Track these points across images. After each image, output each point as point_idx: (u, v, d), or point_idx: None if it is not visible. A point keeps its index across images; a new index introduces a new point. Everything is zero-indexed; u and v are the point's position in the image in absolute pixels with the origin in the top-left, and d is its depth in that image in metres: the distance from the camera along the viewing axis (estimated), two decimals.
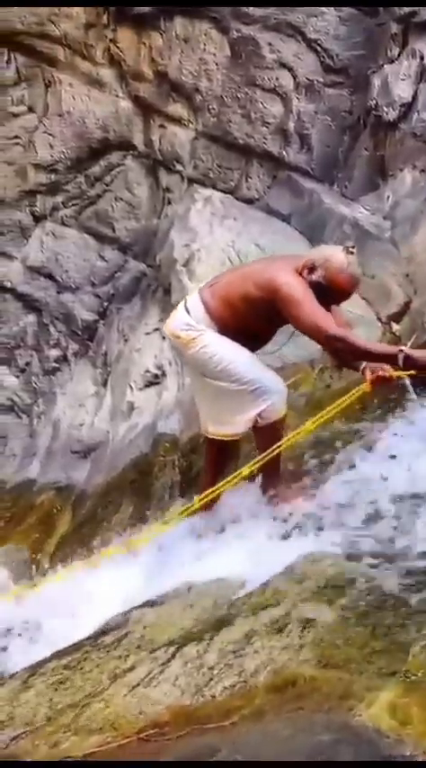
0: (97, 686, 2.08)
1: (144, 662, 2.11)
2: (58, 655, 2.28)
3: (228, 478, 2.95)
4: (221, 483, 2.96)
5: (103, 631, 2.33)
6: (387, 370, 2.76)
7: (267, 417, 2.88)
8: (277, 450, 2.87)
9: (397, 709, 1.62)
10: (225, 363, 2.89)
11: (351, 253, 2.81)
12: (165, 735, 1.84)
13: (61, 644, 2.43)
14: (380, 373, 2.76)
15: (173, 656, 2.09)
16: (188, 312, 2.97)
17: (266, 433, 2.90)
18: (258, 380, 2.88)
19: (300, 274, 2.82)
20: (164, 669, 2.06)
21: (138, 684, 2.04)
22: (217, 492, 2.97)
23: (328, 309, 2.86)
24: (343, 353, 2.90)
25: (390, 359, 2.72)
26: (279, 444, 2.87)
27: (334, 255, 2.82)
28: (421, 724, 1.57)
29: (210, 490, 2.98)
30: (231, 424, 2.95)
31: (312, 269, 2.81)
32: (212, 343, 2.91)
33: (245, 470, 2.91)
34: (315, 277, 2.80)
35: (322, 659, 1.90)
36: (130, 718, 1.94)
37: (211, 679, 1.98)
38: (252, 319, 2.90)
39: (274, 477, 2.93)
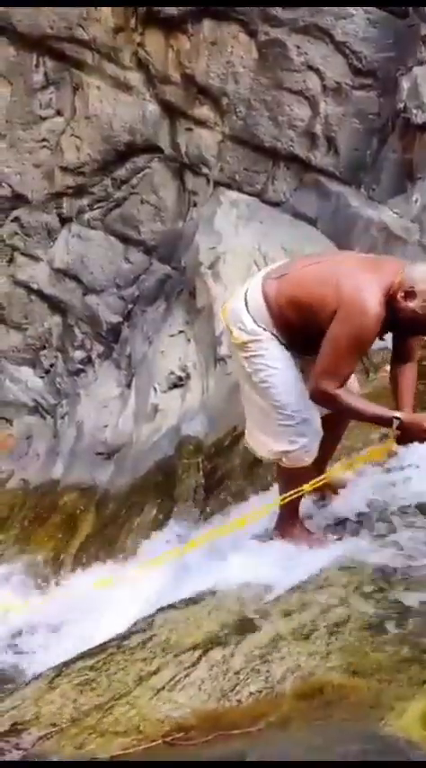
0: (122, 688, 2.07)
1: (169, 665, 2.10)
2: (84, 656, 2.28)
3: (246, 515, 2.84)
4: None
5: (128, 634, 2.33)
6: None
7: (293, 461, 2.57)
8: (294, 496, 2.58)
9: None
10: (270, 384, 2.54)
11: None
12: (191, 739, 1.83)
13: (85, 645, 2.44)
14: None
15: (199, 659, 2.08)
16: (247, 304, 2.56)
17: (286, 473, 2.61)
18: (298, 419, 2.54)
19: (393, 296, 2.39)
20: (189, 673, 2.05)
21: (163, 688, 2.03)
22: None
23: (404, 338, 2.54)
24: (329, 408, 2.54)
25: (384, 423, 2.46)
26: (299, 490, 2.58)
27: None
28: None
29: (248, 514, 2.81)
30: (257, 443, 2.67)
31: (410, 294, 2.38)
32: (266, 356, 2.54)
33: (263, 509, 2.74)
34: (411, 305, 2.38)
35: (350, 667, 1.87)
36: (155, 722, 1.93)
37: (237, 684, 1.97)
38: (319, 324, 2.45)
39: (285, 521, 2.64)
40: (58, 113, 5.74)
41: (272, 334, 2.56)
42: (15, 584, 4.43)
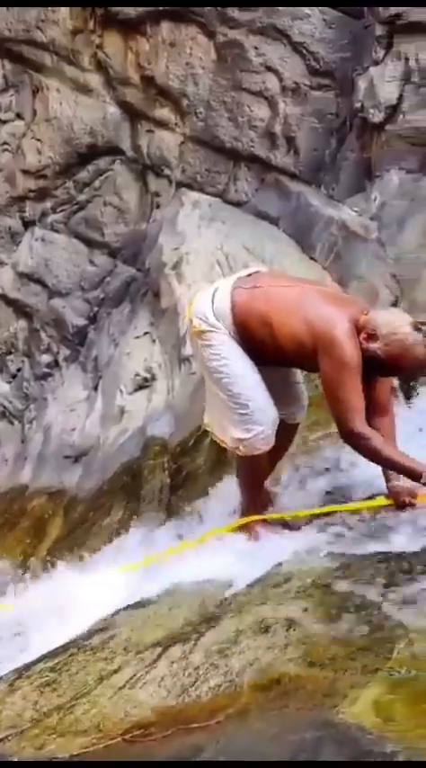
0: (83, 688, 2.07)
1: (130, 663, 2.11)
2: (45, 657, 2.28)
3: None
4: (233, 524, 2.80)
5: (90, 633, 2.33)
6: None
7: (248, 449, 2.65)
8: (273, 517, 2.69)
9: (381, 707, 1.62)
10: (224, 374, 2.63)
11: (420, 330, 2.48)
12: (151, 735, 1.84)
13: (49, 648, 2.43)
14: (412, 501, 2.46)
15: (159, 656, 2.09)
16: (213, 302, 2.65)
17: (243, 461, 2.70)
18: (250, 407, 2.61)
19: (358, 332, 2.49)
20: (150, 670, 2.05)
21: (124, 686, 2.04)
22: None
23: (374, 378, 2.58)
24: (361, 452, 2.55)
25: (413, 477, 2.45)
26: (281, 515, 2.69)
27: (401, 330, 2.47)
28: (404, 721, 1.57)
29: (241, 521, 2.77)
30: (219, 432, 2.74)
31: (372, 336, 2.48)
32: (220, 348, 2.63)
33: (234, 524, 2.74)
34: (373, 347, 2.48)
35: (307, 658, 1.90)
36: (116, 720, 1.94)
37: (197, 679, 1.98)
38: (280, 352, 2.57)
39: (244, 515, 2.74)
40: (19, 116, 5.71)
41: (230, 334, 2.64)
42: None
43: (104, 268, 5.73)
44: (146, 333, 5.09)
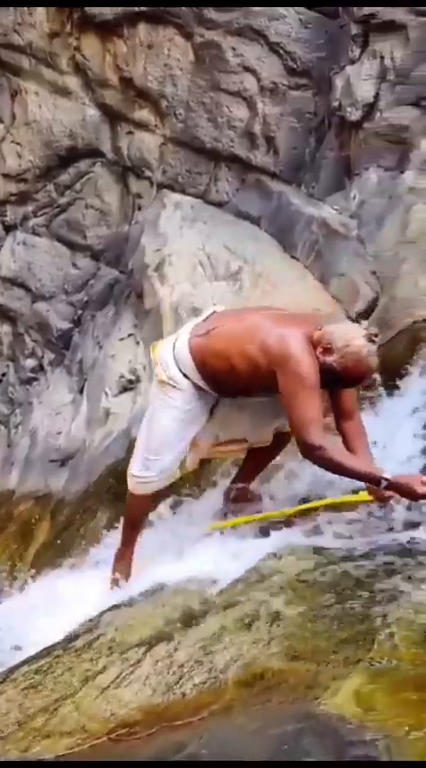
0: (68, 689, 2.07)
1: (115, 663, 2.11)
2: (29, 660, 2.27)
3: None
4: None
5: (75, 635, 2.33)
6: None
7: (131, 486, 2.93)
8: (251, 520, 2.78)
9: (361, 697, 1.63)
10: (155, 424, 2.85)
11: (372, 341, 2.56)
12: (135, 734, 1.85)
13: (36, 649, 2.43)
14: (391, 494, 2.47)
15: (144, 655, 2.09)
16: (174, 351, 2.81)
17: (129, 499, 2.97)
18: (154, 456, 2.85)
19: (314, 347, 2.58)
20: (134, 669, 2.06)
21: (109, 686, 2.04)
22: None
23: (334, 389, 2.66)
24: (320, 464, 2.58)
25: (373, 482, 2.47)
26: (259, 516, 2.80)
27: (355, 343, 2.54)
28: (384, 710, 1.59)
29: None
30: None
31: (328, 350, 2.55)
32: (168, 405, 2.80)
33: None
34: (329, 360, 2.55)
35: (290, 652, 1.91)
36: (101, 720, 1.94)
37: (181, 677, 1.99)
38: (246, 376, 2.67)
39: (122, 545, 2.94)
40: None
41: (194, 383, 2.79)
42: None
43: (87, 271, 5.72)
44: (130, 335, 5.09)
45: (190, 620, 2.20)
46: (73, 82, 5.46)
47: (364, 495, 2.58)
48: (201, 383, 2.78)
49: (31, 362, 6.10)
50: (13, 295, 6.06)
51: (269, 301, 4.42)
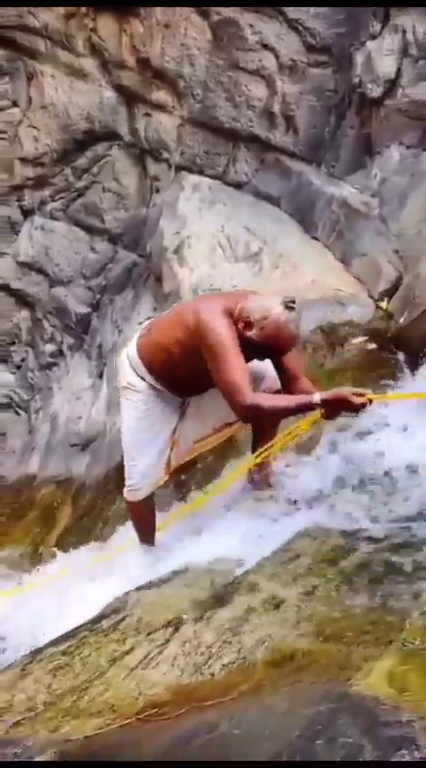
0: (96, 670, 2.07)
1: (142, 644, 2.11)
2: (56, 641, 2.27)
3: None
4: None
5: (101, 616, 2.32)
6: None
7: (128, 496, 2.97)
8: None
9: (395, 677, 1.60)
10: (125, 428, 2.91)
11: (291, 308, 2.56)
12: (165, 714, 1.83)
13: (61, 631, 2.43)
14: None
15: (171, 636, 2.08)
16: (128, 356, 2.88)
17: (127, 505, 3.00)
18: (133, 460, 2.90)
19: (235, 323, 2.59)
20: (162, 650, 2.05)
21: (137, 666, 2.03)
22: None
23: (263, 359, 2.71)
24: (261, 418, 2.68)
25: (310, 408, 2.51)
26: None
27: (273, 313, 2.55)
28: (418, 690, 1.56)
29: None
30: None
31: (248, 324, 2.58)
32: (128, 407, 2.87)
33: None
34: (249, 333, 2.57)
35: (319, 632, 1.88)
36: (130, 700, 1.93)
37: (210, 657, 1.97)
38: (187, 367, 2.72)
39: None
40: (14, 104, 5.66)
41: (149, 384, 2.84)
42: None
43: (105, 255, 5.70)
44: (149, 318, 5.04)
45: (216, 601, 2.18)
46: (89, 64, 5.41)
47: (316, 415, 2.59)
48: (156, 384, 2.83)
49: (50, 348, 6.10)
50: (31, 280, 6.05)
51: (289, 282, 4.38)
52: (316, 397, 2.46)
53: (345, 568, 2.08)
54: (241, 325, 2.57)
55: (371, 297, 4.04)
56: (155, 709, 1.86)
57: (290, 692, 1.70)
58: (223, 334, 2.53)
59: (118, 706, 1.93)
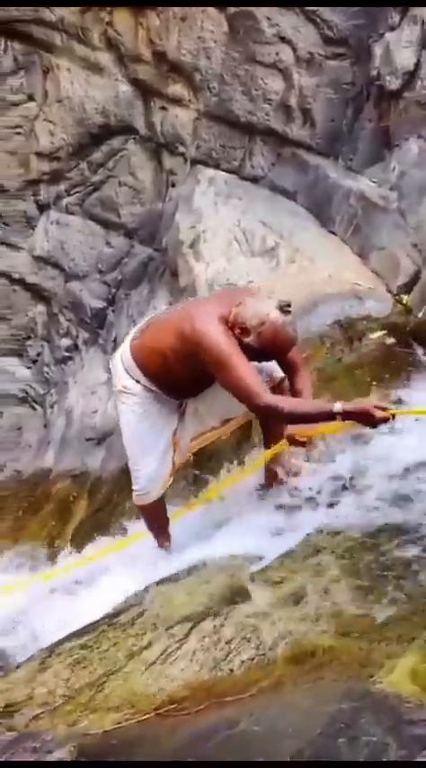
0: (114, 665, 2.06)
1: (160, 639, 2.10)
2: (74, 635, 2.27)
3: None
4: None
5: (119, 610, 2.32)
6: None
7: (137, 500, 2.96)
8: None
9: (418, 675, 1.59)
10: (124, 434, 2.89)
11: (287, 311, 2.54)
12: (183, 710, 1.83)
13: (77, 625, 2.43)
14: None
15: (190, 631, 2.07)
16: (122, 360, 2.86)
17: (142, 509, 2.99)
18: (137, 465, 2.88)
19: (231, 329, 2.56)
20: (181, 645, 2.04)
21: (155, 661, 2.03)
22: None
23: (262, 362, 2.70)
24: (279, 419, 2.67)
25: (329, 418, 2.47)
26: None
27: (268, 318, 2.52)
28: None
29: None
30: None
31: (244, 330, 2.55)
32: (125, 410, 2.85)
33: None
34: (246, 340, 2.55)
35: (340, 629, 1.87)
36: (148, 695, 1.93)
37: (229, 653, 1.96)
38: (182, 372, 2.70)
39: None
40: (30, 98, 5.65)
41: (144, 386, 2.81)
42: (12, 574, 4.41)
43: (121, 249, 5.69)
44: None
45: (235, 596, 2.17)
46: (105, 57, 5.39)
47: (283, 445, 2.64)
48: (151, 386, 2.80)
49: (65, 342, 6.10)
50: (46, 275, 6.05)
51: (305, 276, 4.35)
52: (338, 406, 2.42)
53: (366, 564, 2.06)
54: (237, 331, 2.56)
55: (389, 291, 4.01)
56: (174, 705, 1.86)
57: (311, 689, 1.68)
58: (222, 341, 2.51)
59: (136, 701, 1.92)
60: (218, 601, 2.17)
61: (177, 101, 5.24)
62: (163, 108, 5.32)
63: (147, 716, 1.84)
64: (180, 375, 2.69)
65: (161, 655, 2.04)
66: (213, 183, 5.12)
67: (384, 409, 2.38)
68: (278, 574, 2.18)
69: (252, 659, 1.91)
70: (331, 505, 2.51)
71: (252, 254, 4.68)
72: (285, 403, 2.53)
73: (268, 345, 2.55)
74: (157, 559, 2.80)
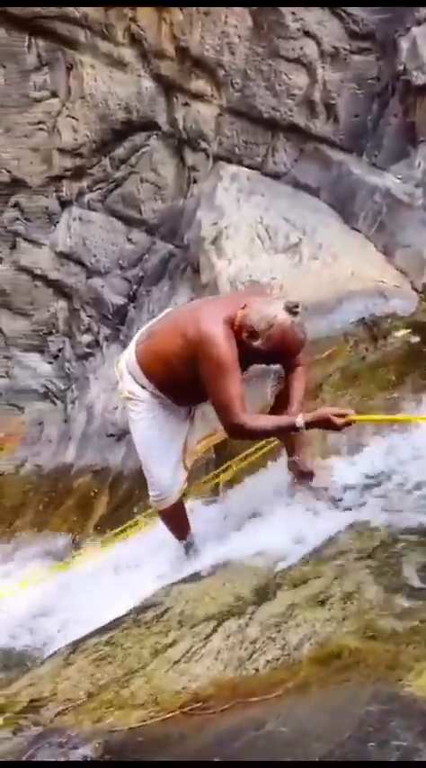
0: (138, 662, 2.06)
1: (185, 637, 2.09)
2: (99, 631, 2.27)
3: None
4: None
5: (143, 607, 2.32)
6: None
7: (154, 505, 2.94)
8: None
9: None
10: (136, 440, 2.86)
11: (295, 312, 2.50)
12: (209, 709, 1.82)
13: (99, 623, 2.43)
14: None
15: (214, 630, 2.06)
16: (127, 365, 2.80)
17: (161, 513, 2.96)
18: (151, 472, 2.85)
19: (237, 332, 2.52)
20: (205, 644, 2.03)
21: (180, 659, 2.02)
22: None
23: (270, 365, 2.72)
24: (248, 438, 2.81)
25: (293, 429, 2.51)
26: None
27: (277, 321, 2.48)
28: None
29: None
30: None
31: (252, 334, 2.50)
32: (134, 417, 2.81)
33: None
34: (256, 344, 2.51)
35: (366, 631, 1.85)
36: (173, 694, 1.92)
37: (254, 653, 1.95)
38: (186, 377, 2.64)
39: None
40: (53, 95, 5.67)
41: (151, 392, 2.76)
42: (33, 567, 4.44)
43: (142, 245, 5.69)
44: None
45: (259, 596, 2.16)
46: (128, 53, 5.39)
47: None
48: (157, 392, 2.75)
49: (86, 338, 6.12)
50: (68, 271, 6.08)
51: (328, 273, 4.33)
52: (300, 421, 2.47)
53: (393, 565, 2.04)
54: (245, 335, 2.51)
55: (414, 289, 3.97)
56: (199, 704, 1.85)
57: (338, 690, 1.67)
58: (223, 347, 2.48)
59: (161, 699, 1.92)
60: (243, 600, 2.16)
61: (200, 96, 5.23)
62: (185, 104, 5.31)
63: (172, 714, 1.84)
64: (184, 380, 2.66)
65: (186, 653, 2.04)
66: (235, 179, 5.10)
67: (343, 416, 2.42)
68: (302, 574, 2.16)
69: (278, 659, 1.90)
70: (358, 505, 2.49)
71: (274, 251, 4.66)
72: (254, 422, 2.53)
73: (277, 348, 2.52)
74: (182, 557, 2.80)
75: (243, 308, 2.53)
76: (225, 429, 2.55)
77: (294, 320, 2.49)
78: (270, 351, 2.51)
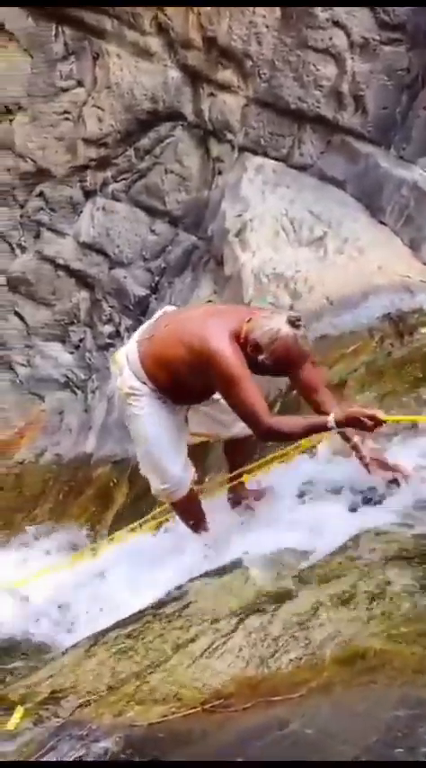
0: (159, 656, 2.05)
1: (206, 633, 2.08)
2: (120, 624, 2.27)
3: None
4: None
5: (165, 601, 2.31)
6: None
7: (169, 497, 2.95)
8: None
9: None
10: (139, 435, 2.85)
11: (298, 325, 2.55)
12: (230, 706, 1.81)
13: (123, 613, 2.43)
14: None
15: (236, 627, 2.05)
16: (127, 359, 2.82)
17: (174, 506, 2.99)
18: (162, 465, 2.86)
19: (242, 346, 2.58)
20: (227, 640, 2.02)
21: (201, 655, 2.01)
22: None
23: (276, 376, 2.81)
24: (281, 441, 2.86)
25: (324, 430, 2.56)
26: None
27: (280, 335, 2.54)
28: None
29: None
30: (149, 478, 2.99)
31: (256, 348, 2.57)
32: (137, 411, 2.81)
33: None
34: (260, 358, 2.58)
35: (391, 632, 1.83)
36: (194, 690, 1.91)
37: (276, 651, 1.94)
38: (188, 381, 2.71)
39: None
40: (79, 84, 5.65)
41: (151, 389, 2.79)
42: (53, 556, 4.46)
43: (165, 237, 5.67)
44: (209, 301, 5.01)
45: (282, 593, 2.14)
46: (155, 43, 5.35)
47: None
48: (157, 391, 2.78)
49: (108, 329, 6.12)
50: (91, 261, 6.07)
51: (354, 267, 4.27)
52: (331, 422, 2.50)
53: (416, 566, 2.01)
54: (249, 349, 2.58)
55: None
56: (221, 701, 1.84)
57: (364, 692, 1.65)
58: (233, 361, 2.54)
59: (182, 694, 1.91)
60: (265, 597, 2.15)
61: (226, 87, 5.18)
62: (211, 94, 5.26)
63: (194, 710, 1.83)
64: (191, 386, 2.72)
65: (207, 649, 2.03)
66: (261, 170, 5.05)
67: (373, 417, 2.44)
68: (326, 572, 2.14)
69: (301, 658, 1.88)
70: (383, 503, 2.46)
71: (299, 244, 4.61)
72: (285, 425, 2.60)
73: (282, 361, 2.59)
74: (203, 551, 2.79)
75: (248, 321, 2.60)
76: (257, 437, 2.66)
77: (297, 333, 2.56)
78: (275, 364, 2.59)
